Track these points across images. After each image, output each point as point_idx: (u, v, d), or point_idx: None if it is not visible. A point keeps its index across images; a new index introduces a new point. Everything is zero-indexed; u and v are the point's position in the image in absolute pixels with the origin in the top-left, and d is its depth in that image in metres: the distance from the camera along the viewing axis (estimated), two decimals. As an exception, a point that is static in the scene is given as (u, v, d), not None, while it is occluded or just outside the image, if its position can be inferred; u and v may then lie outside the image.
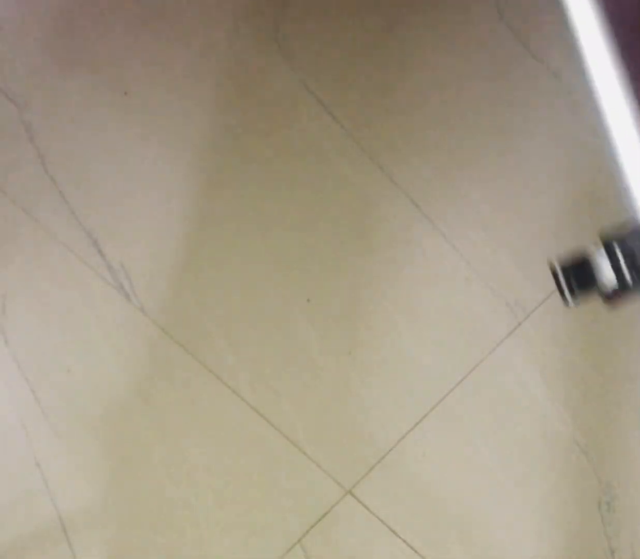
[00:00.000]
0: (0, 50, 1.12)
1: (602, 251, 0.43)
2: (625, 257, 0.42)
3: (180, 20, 1.12)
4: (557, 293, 1.01)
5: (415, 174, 1.05)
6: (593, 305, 0.98)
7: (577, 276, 0.44)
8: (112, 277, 1.04)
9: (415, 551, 0.96)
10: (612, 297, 0.44)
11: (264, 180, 1.07)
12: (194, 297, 1.04)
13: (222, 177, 1.07)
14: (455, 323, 1.00)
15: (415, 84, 1.08)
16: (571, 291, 0.44)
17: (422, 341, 1.00)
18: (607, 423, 0.96)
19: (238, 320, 1.03)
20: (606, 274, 0.43)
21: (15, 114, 1.09)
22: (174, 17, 1.12)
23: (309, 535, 0.97)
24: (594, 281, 0.43)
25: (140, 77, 1.10)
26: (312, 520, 0.98)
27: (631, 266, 0.42)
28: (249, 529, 0.98)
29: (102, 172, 1.08)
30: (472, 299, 1.00)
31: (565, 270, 0.44)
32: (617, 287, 0.42)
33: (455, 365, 0.99)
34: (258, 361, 1.01)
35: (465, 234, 1.02)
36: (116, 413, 1.01)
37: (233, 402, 1.01)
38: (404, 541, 0.97)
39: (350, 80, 1.10)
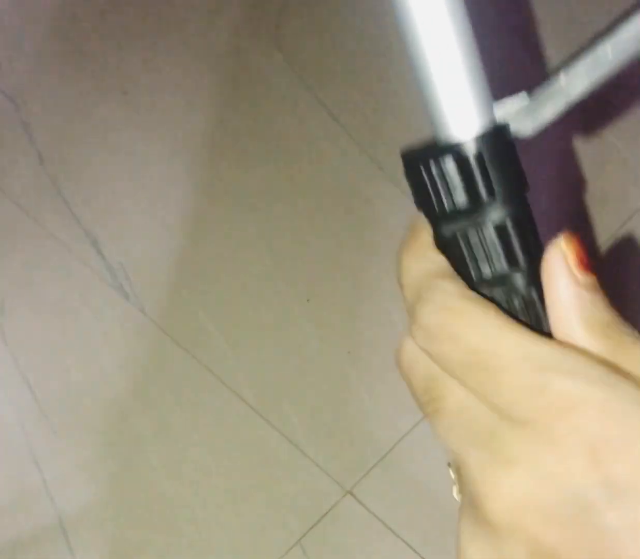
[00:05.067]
0: (-1, 50, 1.12)
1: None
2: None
3: (180, 20, 1.12)
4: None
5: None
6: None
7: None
8: (112, 277, 1.04)
9: (415, 551, 0.96)
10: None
11: (263, 180, 1.07)
12: (194, 297, 1.04)
13: (222, 177, 1.07)
14: (455, 323, 1.00)
15: (415, 85, 1.09)
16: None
17: (422, 341, 1.00)
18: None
19: (238, 320, 1.03)
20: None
21: (14, 114, 1.09)
22: (174, 17, 1.12)
23: (308, 535, 0.97)
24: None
25: (140, 77, 1.10)
26: (311, 520, 0.98)
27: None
28: (249, 529, 0.98)
29: (101, 171, 1.08)
30: (472, 299, 1.00)
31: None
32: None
33: (455, 365, 0.99)
34: (258, 361, 1.01)
35: (465, 234, 1.03)
36: (115, 413, 1.01)
37: (233, 402, 1.01)
38: (404, 541, 0.96)
39: (351, 80, 1.10)
